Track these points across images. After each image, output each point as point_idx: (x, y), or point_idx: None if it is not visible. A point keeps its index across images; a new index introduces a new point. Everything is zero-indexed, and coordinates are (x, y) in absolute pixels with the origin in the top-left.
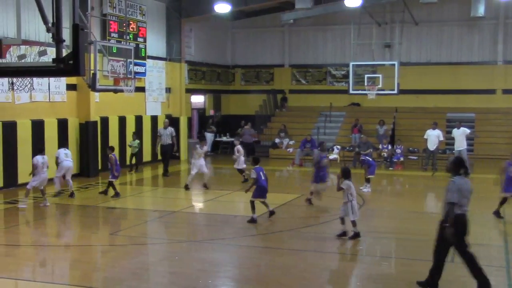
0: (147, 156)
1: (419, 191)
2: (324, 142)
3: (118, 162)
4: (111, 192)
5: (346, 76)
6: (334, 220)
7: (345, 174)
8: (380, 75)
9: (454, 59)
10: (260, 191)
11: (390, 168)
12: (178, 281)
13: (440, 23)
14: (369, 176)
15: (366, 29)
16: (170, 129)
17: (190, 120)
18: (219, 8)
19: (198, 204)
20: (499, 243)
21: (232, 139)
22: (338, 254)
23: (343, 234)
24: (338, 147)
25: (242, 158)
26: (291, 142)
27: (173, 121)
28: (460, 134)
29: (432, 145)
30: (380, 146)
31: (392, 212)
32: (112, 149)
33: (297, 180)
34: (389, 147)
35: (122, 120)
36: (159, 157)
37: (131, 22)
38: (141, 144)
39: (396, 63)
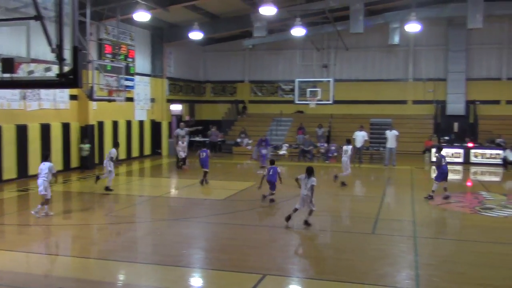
0: (135, 152)
1: (348, 179)
2: (441, 146)
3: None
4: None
5: (292, 90)
6: (283, 201)
7: (308, 172)
8: (319, 89)
9: (376, 77)
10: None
11: (326, 161)
12: (159, 251)
13: (365, 49)
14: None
15: (308, 53)
16: (186, 129)
17: (170, 124)
18: (193, 35)
19: (176, 190)
20: (409, 218)
21: (204, 139)
22: (286, 228)
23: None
24: (286, 145)
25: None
26: (249, 141)
27: (156, 125)
28: (391, 135)
29: (358, 143)
30: (319, 144)
31: (327, 194)
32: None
33: (254, 171)
34: (326, 145)
35: (115, 124)
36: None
37: (122, 45)
38: (92, 147)
39: (331, 79)
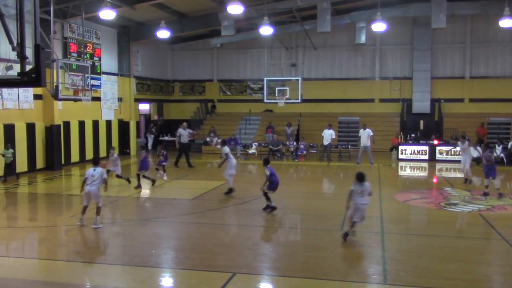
0: (103, 152)
1: (317, 177)
2: (487, 144)
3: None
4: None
5: (261, 89)
6: (252, 201)
7: (361, 178)
8: (287, 88)
9: (343, 76)
10: (274, 186)
11: (296, 160)
12: (128, 252)
13: (333, 48)
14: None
15: (276, 52)
16: (189, 130)
17: (138, 123)
18: (160, 34)
19: (144, 191)
20: (377, 214)
21: (173, 139)
22: (257, 226)
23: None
24: (256, 143)
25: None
26: (219, 140)
27: (124, 125)
28: (365, 134)
29: (326, 141)
30: (288, 143)
31: (298, 193)
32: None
33: (223, 170)
34: (295, 143)
35: (81, 124)
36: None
37: (88, 44)
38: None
39: (299, 78)
